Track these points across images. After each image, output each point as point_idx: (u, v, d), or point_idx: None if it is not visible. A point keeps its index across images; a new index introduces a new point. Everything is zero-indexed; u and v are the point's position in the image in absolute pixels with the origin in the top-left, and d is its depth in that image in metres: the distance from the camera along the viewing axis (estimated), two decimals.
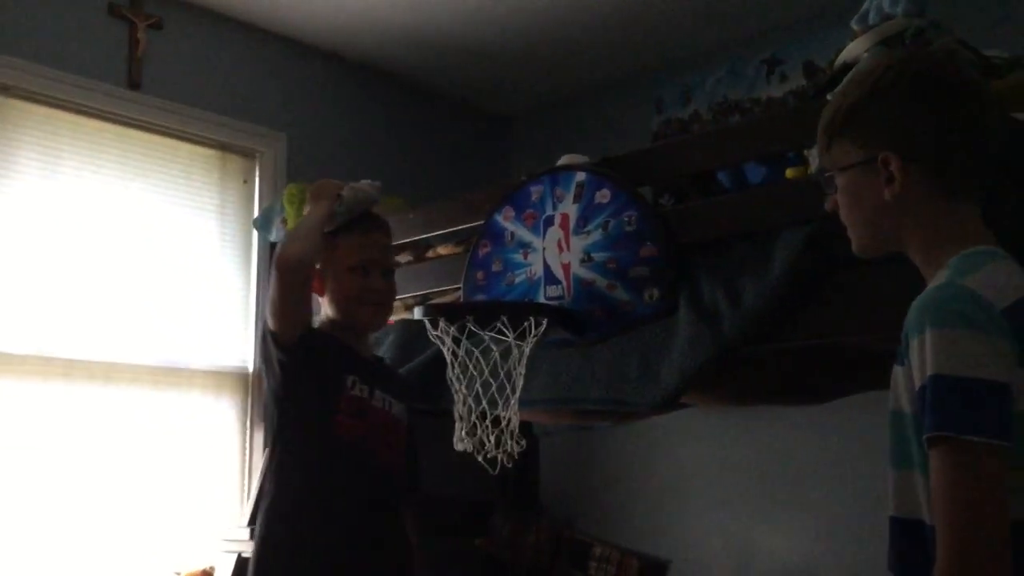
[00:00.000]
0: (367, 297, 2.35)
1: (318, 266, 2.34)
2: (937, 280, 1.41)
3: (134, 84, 3.56)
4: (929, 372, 1.30)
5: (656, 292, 2.51)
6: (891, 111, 1.47)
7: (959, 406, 1.27)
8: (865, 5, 2.28)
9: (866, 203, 1.51)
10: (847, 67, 2.21)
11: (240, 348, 3.75)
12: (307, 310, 2.27)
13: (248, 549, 2.89)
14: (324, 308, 2.39)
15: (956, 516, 1.25)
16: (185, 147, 3.73)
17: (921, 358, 1.32)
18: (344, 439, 2.22)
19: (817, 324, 2.27)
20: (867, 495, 3.35)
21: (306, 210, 2.41)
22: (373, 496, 2.24)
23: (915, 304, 1.38)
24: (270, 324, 2.21)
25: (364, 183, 2.45)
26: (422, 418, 3.15)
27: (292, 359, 2.20)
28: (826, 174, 1.57)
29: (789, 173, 2.44)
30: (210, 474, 3.58)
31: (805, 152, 2.41)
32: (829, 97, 2.19)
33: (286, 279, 2.18)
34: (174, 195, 3.66)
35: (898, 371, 1.41)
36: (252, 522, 3.21)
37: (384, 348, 3.13)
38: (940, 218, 1.47)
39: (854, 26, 2.27)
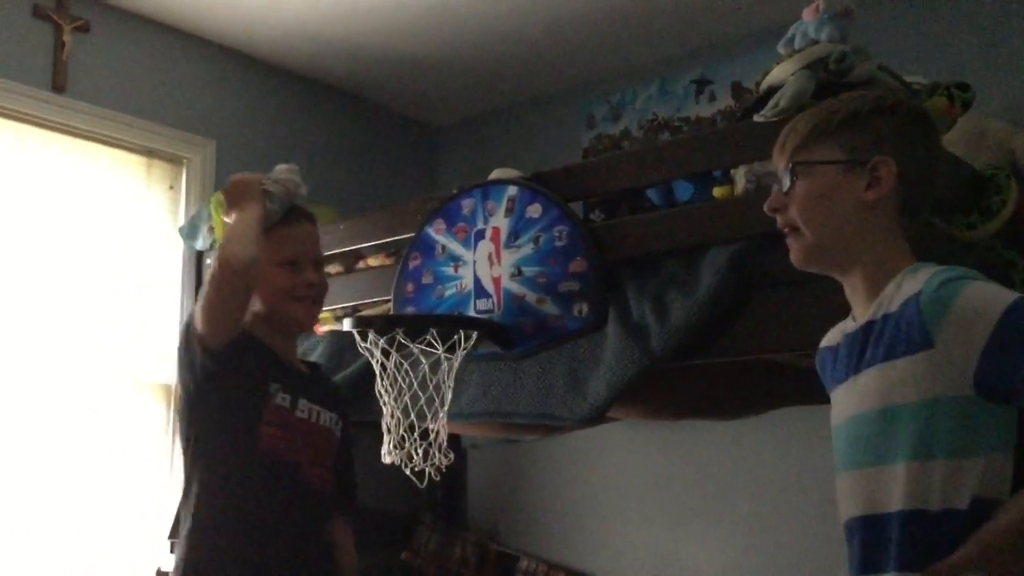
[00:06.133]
0: (301, 292, 2.22)
1: None
2: (915, 280, 1.49)
3: (59, 87, 3.48)
4: (1003, 306, 1.38)
5: (585, 307, 2.53)
6: (889, 128, 1.58)
7: None
8: (791, 30, 2.33)
9: (841, 200, 1.58)
10: (773, 89, 2.26)
11: (165, 358, 3.68)
12: (242, 314, 2.12)
13: (167, 563, 2.82)
14: (252, 306, 2.22)
15: None
16: (110, 152, 3.66)
17: (976, 309, 1.39)
18: (267, 453, 2.10)
19: (743, 340, 2.31)
20: (788, 509, 3.42)
21: (229, 216, 2.19)
22: (298, 515, 2.14)
23: (929, 290, 1.44)
24: (200, 328, 2.07)
25: (282, 172, 2.29)
26: (350, 429, 3.14)
27: (218, 365, 2.08)
28: (798, 165, 1.60)
29: (716, 192, 2.49)
30: (132, 487, 3.51)
31: (732, 171, 2.46)
32: (756, 118, 2.24)
33: (231, 283, 2.03)
34: (98, 201, 3.58)
35: (899, 364, 1.46)
36: (173, 535, 3.13)
37: (313, 359, 3.10)
38: (891, 243, 1.58)
39: (780, 49, 2.33)
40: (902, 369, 1.45)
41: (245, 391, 2.12)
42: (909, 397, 1.44)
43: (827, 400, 1.66)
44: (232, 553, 2.06)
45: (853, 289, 1.61)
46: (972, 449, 1.41)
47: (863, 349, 1.54)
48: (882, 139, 1.57)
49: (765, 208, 1.66)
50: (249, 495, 2.08)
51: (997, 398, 1.40)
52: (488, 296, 2.71)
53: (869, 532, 1.48)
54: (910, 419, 1.44)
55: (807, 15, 2.32)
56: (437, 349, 2.54)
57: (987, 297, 1.41)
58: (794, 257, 1.64)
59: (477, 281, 2.74)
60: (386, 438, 2.60)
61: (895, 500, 1.44)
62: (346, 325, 2.67)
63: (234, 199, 2.19)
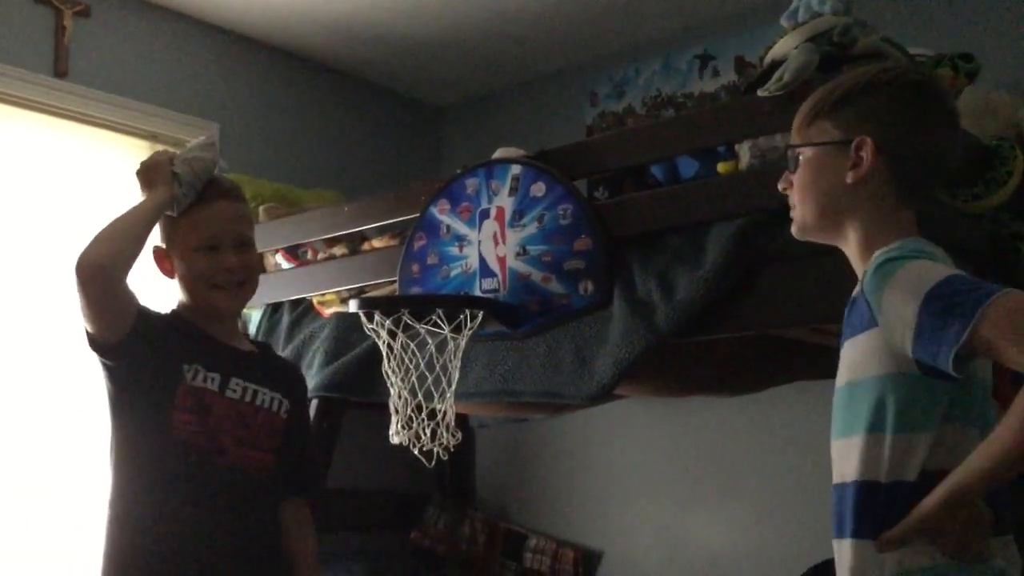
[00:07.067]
0: (220, 279, 2.04)
1: (163, 246, 2.08)
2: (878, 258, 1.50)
3: (60, 73, 3.48)
4: (929, 285, 1.37)
5: (591, 285, 2.53)
6: (878, 105, 1.58)
7: (974, 283, 1.36)
8: (794, 3, 2.32)
9: (825, 181, 1.60)
10: (776, 63, 2.25)
11: None
12: (125, 310, 1.95)
13: None
14: (179, 290, 2.10)
15: None
16: (113, 137, 3.65)
17: (906, 290, 1.39)
18: (181, 438, 1.94)
19: (748, 316, 2.31)
20: (796, 484, 3.42)
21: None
22: (221, 501, 1.97)
23: (870, 270, 1.47)
24: (86, 326, 1.93)
25: (193, 149, 2.11)
26: (358, 410, 3.16)
27: (117, 360, 1.95)
28: (795, 149, 1.65)
29: (721, 167, 2.48)
30: None
31: (736, 147, 2.44)
32: (760, 92, 2.23)
33: (84, 288, 1.86)
34: (102, 186, 3.58)
35: (858, 340, 1.50)
36: None
37: (320, 341, 3.11)
38: (886, 216, 1.58)
39: (783, 23, 2.31)
40: (859, 345, 1.50)
41: (153, 379, 1.98)
42: (866, 372, 1.49)
43: (833, 375, 1.68)
44: (150, 545, 1.93)
45: (852, 262, 1.63)
46: (920, 423, 1.44)
47: (847, 322, 1.59)
48: (871, 116, 1.57)
49: (779, 188, 1.70)
50: (163, 485, 1.95)
51: (935, 375, 1.40)
52: (493, 275, 2.71)
53: (838, 500, 1.54)
54: (867, 393, 1.48)
55: None
56: (443, 329, 2.54)
57: (918, 277, 1.40)
58: (792, 230, 1.69)
59: (482, 260, 2.74)
60: (394, 419, 2.61)
61: (854, 471, 1.49)
62: (352, 307, 2.67)
63: (144, 184, 2.06)
